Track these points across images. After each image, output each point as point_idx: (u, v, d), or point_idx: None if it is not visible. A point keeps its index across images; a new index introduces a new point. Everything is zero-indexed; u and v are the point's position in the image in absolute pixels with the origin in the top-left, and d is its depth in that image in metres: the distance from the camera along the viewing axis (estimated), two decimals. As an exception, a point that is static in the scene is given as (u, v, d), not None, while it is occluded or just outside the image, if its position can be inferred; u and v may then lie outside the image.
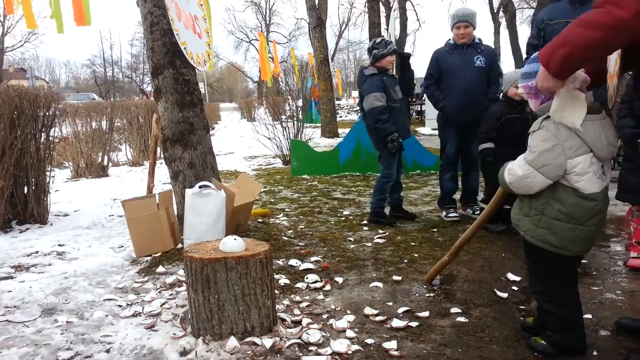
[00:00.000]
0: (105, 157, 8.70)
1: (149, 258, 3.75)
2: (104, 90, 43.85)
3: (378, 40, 4.60)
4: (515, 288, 3.05)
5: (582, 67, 1.94)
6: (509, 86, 4.07)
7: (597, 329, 2.47)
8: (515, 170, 2.15)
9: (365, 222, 4.71)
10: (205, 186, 3.64)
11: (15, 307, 2.94)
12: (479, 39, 4.64)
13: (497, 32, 27.80)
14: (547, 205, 2.11)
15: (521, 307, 2.79)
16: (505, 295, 2.93)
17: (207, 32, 4.65)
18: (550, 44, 1.88)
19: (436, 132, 4.93)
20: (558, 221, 2.09)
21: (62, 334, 2.57)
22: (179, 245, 3.85)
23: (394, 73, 4.99)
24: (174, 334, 2.49)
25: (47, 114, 4.99)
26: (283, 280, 3.22)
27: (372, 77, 4.44)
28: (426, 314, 2.69)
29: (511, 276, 3.21)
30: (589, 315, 2.57)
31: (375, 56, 4.49)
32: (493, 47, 4.69)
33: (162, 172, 7.07)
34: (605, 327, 2.49)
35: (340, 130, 14.48)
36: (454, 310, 2.73)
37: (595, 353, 2.24)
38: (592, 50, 1.79)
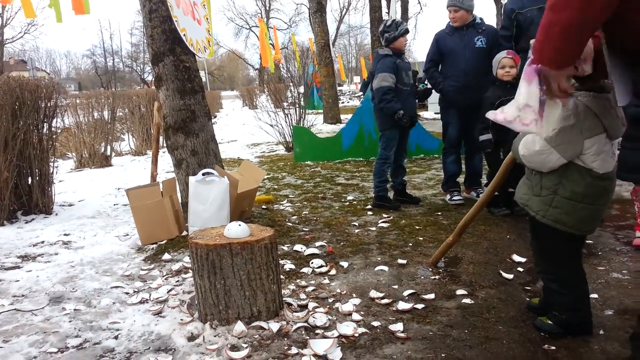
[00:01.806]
0: (108, 147, 8.71)
1: (154, 246, 3.77)
2: (105, 81, 43.78)
3: (389, 22, 4.59)
4: (520, 269, 3.06)
5: (582, 45, 1.83)
6: (497, 69, 4.04)
7: (604, 309, 2.47)
8: (531, 144, 2.08)
9: (369, 206, 4.71)
10: (209, 173, 3.64)
11: (23, 296, 2.97)
12: (480, 19, 4.58)
13: (499, 14, 27.54)
14: (560, 185, 2.08)
15: (527, 288, 2.79)
16: (510, 276, 2.93)
17: (207, 19, 4.61)
18: (535, 45, 1.76)
19: (439, 116, 4.90)
20: (572, 201, 2.06)
21: (70, 321, 2.59)
22: (184, 233, 3.86)
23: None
24: (182, 320, 2.51)
25: (49, 104, 4.98)
26: (288, 265, 3.23)
27: (385, 58, 4.48)
28: (432, 296, 2.70)
29: (516, 257, 3.21)
30: (595, 295, 2.57)
31: (387, 39, 4.51)
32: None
33: (166, 160, 7.07)
34: (611, 307, 2.49)
35: (342, 116, 14.42)
36: (459, 292, 2.74)
37: (601, 332, 2.24)
38: (573, 32, 1.63)
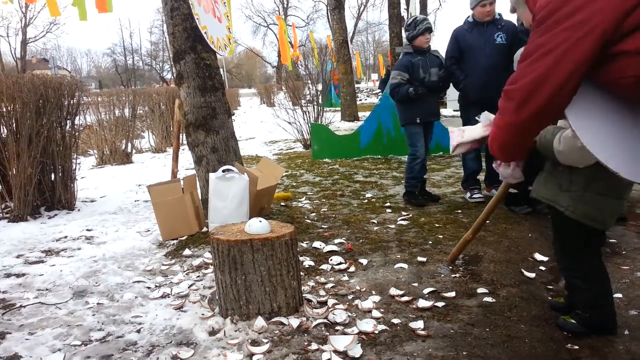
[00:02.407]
0: (129, 144, 8.82)
1: (175, 241, 3.81)
2: (125, 79, 44.33)
3: (409, 21, 4.67)
4: (542, 268, 3.02)
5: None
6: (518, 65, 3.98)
7: (628, 308, 2.43)
8: (572, 141, 2.00)
9: (388, 204, 4.70)
10: (229, 170, 3.66)
11: (47, 289, 3.03)
12: (499, 15, 4.52)
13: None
14: (594, 181, 2.03)
15: (549, 287, 2.76)
16: (532, 275, 2.90)
17: (227, 16, 4.64)
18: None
19: (458, 113, 4.85)
20: (604, 195, 2.05)
21: (93, 315, 2.64)
22: (204, 229, 3.89)
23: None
24: (203, 314, 2.53)
25: (72, 102, 5.07)
26: (308, 262, 3.23)
27: (403, 57, 4.62)
28: (452, 294, 2.68)
29: (538, 256, 3.17)
30: (619, 295, 2.53)
31: (407, 38, 4.59)
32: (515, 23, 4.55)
33: (185, 157, 7.14)
34: (636, 307, 2.44)
35: (360, 114, 14.39)
36: (480, 290, 2.71)
37: (626, 332, 2.20)
38: (513, 144, 2.04)
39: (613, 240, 3.32)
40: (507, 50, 4.34)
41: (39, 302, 2.82)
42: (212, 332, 2.36)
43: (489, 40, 4.43)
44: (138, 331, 2.45)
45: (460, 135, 2.61)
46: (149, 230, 4.17)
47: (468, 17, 4.62)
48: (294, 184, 5.95)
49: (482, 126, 2.57)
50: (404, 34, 12.04)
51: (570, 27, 1.65)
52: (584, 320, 2.18)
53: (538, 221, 3.91)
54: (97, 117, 8.53)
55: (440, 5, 28.71)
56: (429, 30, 4.54)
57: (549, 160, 2.23)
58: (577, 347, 2.11)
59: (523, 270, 2.95)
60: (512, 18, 4.57)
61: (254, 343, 2.23)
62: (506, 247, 3.39)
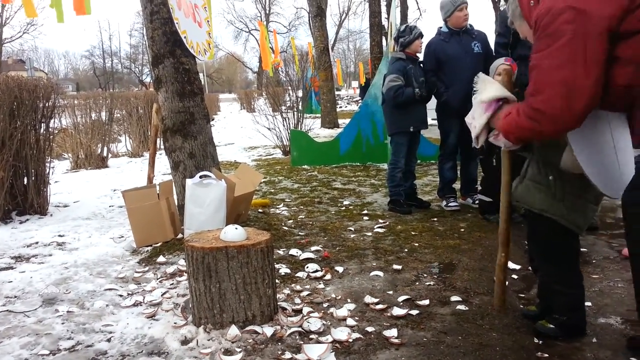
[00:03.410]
0: (105, 148, 8.69)
1: (149, 248, 3.76)
2: (103, 81, 43.75)
3: (402, 27, 4.69)
4: (515, 276, 3.06)
5: None
6: (494, 74, 4.04)
7: (597, 316, 2.48)
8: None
9: (365, 211, 4.72)
10: (206, 176, 3.64)
11: (15, 297, 2.95)
12: (471, 25, 4.59)
13: (498, 21, 27.61)
14: (590, 191, 2.13)
15: (521, 295, 2.80)
16: (505, 283, 2.93)
17: (207, 21, 4.62)
18: (505, 125, 2.02)
19: (436, 122, 4.90)
20: (591, 204, 2.19)
21: (62, 323, 2.58)
22: (179, 235, 3.85)
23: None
24: (175, 323, 2.50)
25: (47, 104, 4.98)
26: (284, 269, 3.22)
27: (396, 62, 4.59)
28: (426, 302, 2.70)
29: (511, 264, 3.21)
30: (589, 303, 2.57)
31: (402, 44, 4.59)
32: (487, 34, 4.62)
33: (162, 162, 7.06)
34: (605, 315, 2.50)
35: (340, 121, 14.43)
36: (454, 298, 2.74)
37: (594, 340, 2.25)
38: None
39: (584, 250, 3.38)
40: (483, 60, 4.40)
41: (7, 310, 2.74)
42: (185, 342, 2.33)
43: (468, 49, 4.47)
44: (108, 340, 2.41)
45: (473, 127, 2.32)
46: (122, 237, 4.11)
47: (440, 27, 4.65)
48: (272, 190, 5.94)
49: (482, 110, 2.22)
50: (384, 43, 12.15)
51: (578, 30, 1.69)
52: (561, 323, 2.24)
53: (512, 230, 3.95)
54: (73, 120, 8.39)
55: (421, 15, 29.02)
56: (422, 35, 4.60)
57: (532, 168, 2.26)
58: (547, 355, 2.14)
59: (496, 279, 2.98)
60: (491, 29, 4.65)
61: (227, 352, 2.21)
62: (480, 255, 3.43)
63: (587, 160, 1.92)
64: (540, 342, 2.25)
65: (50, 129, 5.12)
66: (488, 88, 2.15)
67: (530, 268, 2.72)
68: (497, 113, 2.11)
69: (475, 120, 2.24)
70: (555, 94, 1.72)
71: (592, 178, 1.93)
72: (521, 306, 2.63)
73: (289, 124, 9.24)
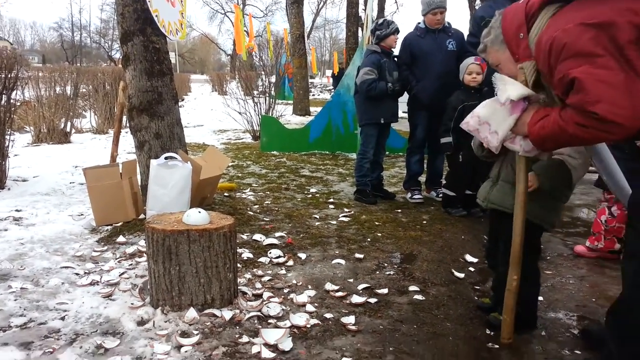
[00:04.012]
0: (69, 123, 8.45)
1: (109, 227, 3.69)
2: (71, 55, 42.38)
3: (380, 21, 4.71)
4: (472, 269, 3.14)
5: None
6: (464, 74, 4.11)
7: (547, 311, 2.57)
8: (575, 154, 2.14)
9: (331, 200, 4.75)
10: (171, 157, 3.58)
11: (-33, 271, 2.86)
12: (448, 23, 4.65)
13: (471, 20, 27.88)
14: (566, 192, 2.25)
15: (476, 287, 2.88)
16: (462, 275, 3.01)
17: (181, 1, 4.52)
18: (540, 131, 1.81)
19: (405, 115, 4.96)
20: (561, 202, 2.30)
21: (15, 300, 2.52)
22: (141, 216, 3.79)
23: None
24: (132, 304, 2.47)
25: (9, 75, 4.80)
26: (246, 254, 3.22)
27: (372, 55, 4.60)
28: (385, 291, 2.75)
29: (469, 257, 3.30)
30: (540, 298, 2.66)
31: (378, 37, 4.60)
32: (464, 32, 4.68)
33: (128, 141, 6.91)
34: (555, 309, 2.59)
35: (312, 109, 14.42)
36: (412, 288, 2.80)
37: (543, 333, 2.34)
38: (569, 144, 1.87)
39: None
40: (456, 57, 4.47)
41: (-44, 285, 2.66)
42: (141, 322, 2.31)
43: (442, 46, 4.54)
44: (62, 318, 2.36)
45: (492, 132, 2.01)
46: (82, 215, 4.02)
47: (419, 23, 4.72)
48: (240, 174, 5.90)
49: (506, 112, 1.95)
50: (360, 34, 12.14)
51: (608, 47, 1.58)
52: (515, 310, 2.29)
53: (472, 224, 4.07)
54: (37, 93, 8.11)
55: (398, 9, 29.13)
56: (398, 31, 4.62)
57: (506, 169, 2.30)
58: (497, 346, 2.22)
59: (453, 271, 3.07)
60: (460, 27, 4.71)
61: (184, 334, 2.20)
62: (440, 247, 3.51)
63: (606, 169, 2.05)
64: (492, 333, 2.32)
65: (12, 101, 4.94)
66: (512, 86, 1.89)
67: (486, 262, 2.79)
68: (522, 116, 1.91)
69: (495, 125, 1.97)
70: (618, 96, 1.56)
71: (611, 185, 2.04)
72: (476, 298, 2.71)
73: (261, 109, 9.17)
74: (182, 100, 19.52)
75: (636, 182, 2.02)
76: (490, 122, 2.00)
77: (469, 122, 2.09)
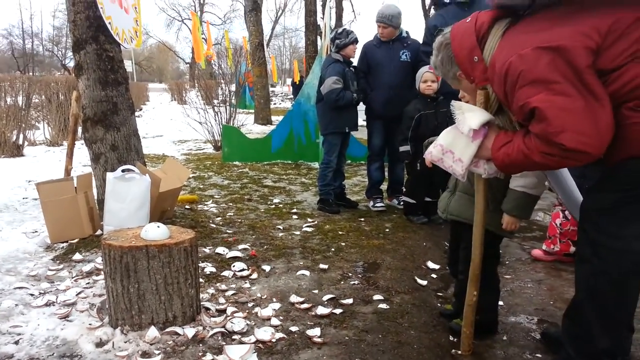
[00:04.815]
0: (21, 135, 8.13)
1: (65, 244, 3.56)
2: (22, 64, 40.89)
3: (340, 30, 4.73)
4: (434, 276, 3.19)
5: None
6: (419, 82, 4.19)
7: (508, 315, 2.63)
8: (532, 179, 2.16)
9: (295, 210, 4.74)
10: (129, 170, 3.50)
11: None
12: (407, 33, 4.73)
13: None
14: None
15: (439, 294, 2.92)
16: (424, 282, 3.05)
17: (135, 8, 4.43)
18: (505, 155, 1.79)
19: (365, 123, 5.01)
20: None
21: (-36, 325, 2.39)
22: (98, 232, 3.67)
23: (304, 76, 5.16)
24: (90, 324, 2.39)
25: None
26: (209, 268, 3.16)
27: (336, 64, 4.60)
28: (350, 301, 2.75)
29: (431, 264, 3.35)
30: (501, 302, 2.72)
31: (337, 46, 4.62)
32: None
33: (83, 153, 6.70)
34: (515, 314, 2.66)
35: (273, 118, 14.38)
36: (376, 297, 2.81)
37: (505, 338, 2.39)
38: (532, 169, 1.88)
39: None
40: (411, 68, 4.54)
41: None
42: (100, 344, 2.23)
43: (394, 57, 4.61)
44: (16, 342, 2.26)
45: (456, 160, 1.98)
46: (36, 232, 3.86)
47: (377, 32, 4.79)
48: (201, 186, 5.81)
49: (468, 140, 1.92)
50: (319, 42, 12.20)
51: (566, 73, 1.57)
52: (475, 322, 2.33)
53: (432, 231, 4.13)
54: (-15, 104, 7.78)
55: (355, 17, 29.52)
56: (357, 41, 4.67)
57: (464, 182, 2.33)
58: (460, 352, 2.25)
59: (416, 278, 3.10)
60: (418, 37, 4.80)
61: (145, 354, 2.14)
62: (402, 255, 3.55)
63: (559, 185, 2.09)
64: (455, 339, 2.35)
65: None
66: (471, 114, 1.88)
67: (448, 269, 2.84)
68: (484, 141, 1.88)
69: (459, 153, 1.95)
70: (582, 124, 1.56)
71: (566, 202, 2.11)
72: (438, 305, 2.74)
73: (221, 118, 9.08)
74: (140, 110, 19.12)
75: (586, 186, 2.10)
76: (453, 150, 1.97)
77: (432, 153, 2.05)
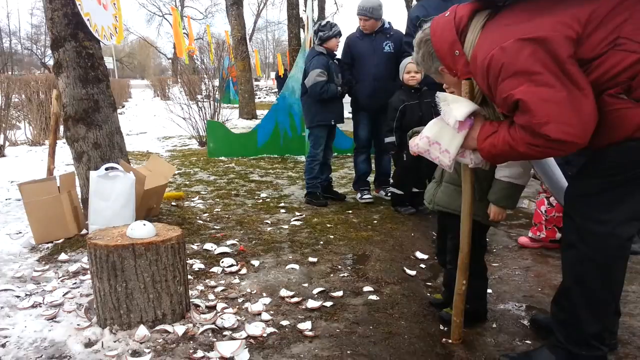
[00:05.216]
0: (2, 136, 7.99)
1: (50, 245, 3.51)
2: (1, 63, 40.12)
3: (323, 22, 4.70)
4: (423, 266, 3.21)
5: None
6: (403, 73, 4.19)
7: (497, 303, 2.66)
8: (517, 169, 2.17)
9: (282, 204, 4.72)
10: (112, 168, 3.45)
11: None
12: (389, 23, 4.72)
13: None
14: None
15: (428, 284, 2.94)
16: (413, 273, 3.07)
17: (114, 4, 4.36)
18: (492, 146, 1.79)
19: (351, 115, 5.00)
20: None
21: (-52, 330, 2.34)
22: (83, 231, 3.63)
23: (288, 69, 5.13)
24: (78, 325, 2.36)
25: None
26: (198, 265, 3.14)
27: (320, 56, 4.58)
28: (340, 293, 2.75)
29: (419, 254, 3.37)
30: (489, 290, 2.75)
31: (321, 38, 4.60)
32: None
33: (65, 152, 6.61)
34: (504, 301, 2.68)
35: (258, 112, 14.31)
36: (366, 288, 2.82)
37: (494, 325, 2.41)
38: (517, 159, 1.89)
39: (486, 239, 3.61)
40: (394, 59, 4.53)
41: None
42: (89, 344, 2.20)
43: (377, 48, 4.60)
44: (3, 345, 2.22)
45: (443, 152, 1.97)
46: (20, 232, 3.80)
47: (359, 25, 4.76)
48: (187, 182, 5.76)
49: (454, 131, 1.91)
50: (302, 35, 12.15)
51: (548, 64, 1.58)
52: (465, 311, 2.35)
53: (420, 221, 4.15)
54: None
55: (337, 10, 29.35)
56: (340, 34, 4.65)
57: (450, 173, 2.32)
58: (451, 341, 2.26)
59: (405, 269, 3.12)
60: (401, 27, 4.79)
61: (135, 353, 2.12)
62: (391, 246, 3.56)
63: (545, 173, 2.11)
64: (445, 329, 2.37)
65: None
66: (456, 105, 1.87)
67: (436, 259, 2.85)
68: (470, 132, 1.89)
69: (446, 144, 1.94)
70: (565, 115, 1.57)
71: (552, 189, 2.12)
72: (428, 294, 2.76)
73: (206, 114, 9.00)
74: (123, 107, 18.89)
75: (570, 173, 2.12)
76: (440, 141, 1.96)
77: (419, 144, 2.04)
